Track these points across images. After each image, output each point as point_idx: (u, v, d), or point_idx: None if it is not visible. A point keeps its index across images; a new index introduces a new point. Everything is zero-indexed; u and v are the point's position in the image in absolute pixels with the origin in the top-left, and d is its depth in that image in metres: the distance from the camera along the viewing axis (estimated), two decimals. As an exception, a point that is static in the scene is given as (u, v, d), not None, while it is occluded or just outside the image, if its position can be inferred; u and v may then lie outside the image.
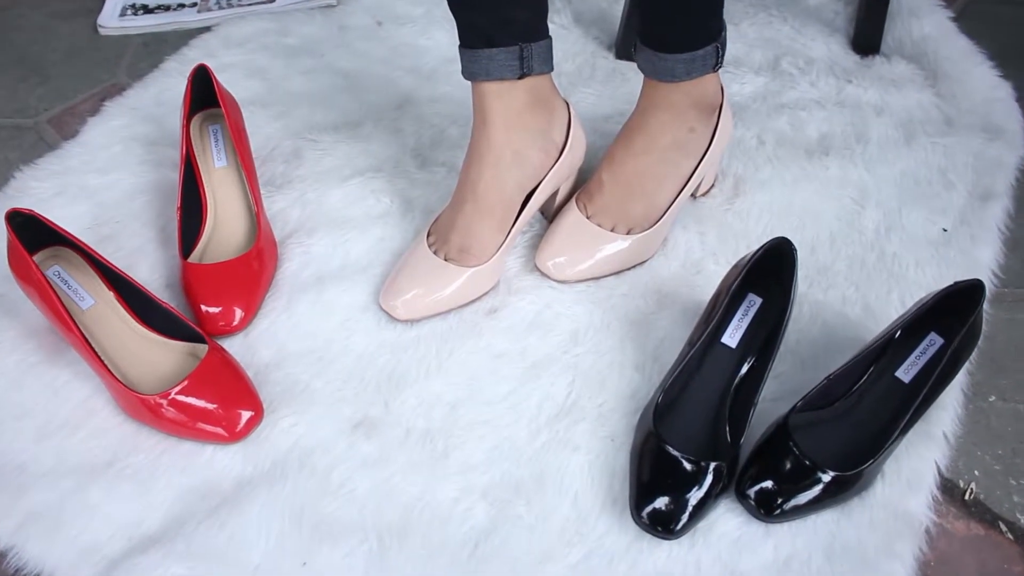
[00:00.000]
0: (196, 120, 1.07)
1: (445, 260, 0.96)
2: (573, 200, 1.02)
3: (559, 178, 1.00)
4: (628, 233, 0.99)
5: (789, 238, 0.86)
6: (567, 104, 1.00)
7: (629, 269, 1.01)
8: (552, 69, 0.96)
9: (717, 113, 1.00)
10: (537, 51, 0.92)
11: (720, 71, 1.21)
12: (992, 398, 0.92)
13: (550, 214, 1.04)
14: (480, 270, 0.96)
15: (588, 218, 1.00)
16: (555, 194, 1.03)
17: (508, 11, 0.90)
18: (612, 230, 0.99)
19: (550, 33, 0.94)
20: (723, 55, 0.95)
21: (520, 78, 0.92)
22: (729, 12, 1.33)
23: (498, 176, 0.94)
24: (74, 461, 0.85)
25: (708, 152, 1.01)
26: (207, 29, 1.37)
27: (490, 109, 0.93)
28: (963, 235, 1.05)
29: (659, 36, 0.94)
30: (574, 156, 1.00)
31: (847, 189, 1.09)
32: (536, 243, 1.03)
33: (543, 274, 0.99)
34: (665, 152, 0.99)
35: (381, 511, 0.82)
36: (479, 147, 0.94)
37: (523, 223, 0.99)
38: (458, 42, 0.93)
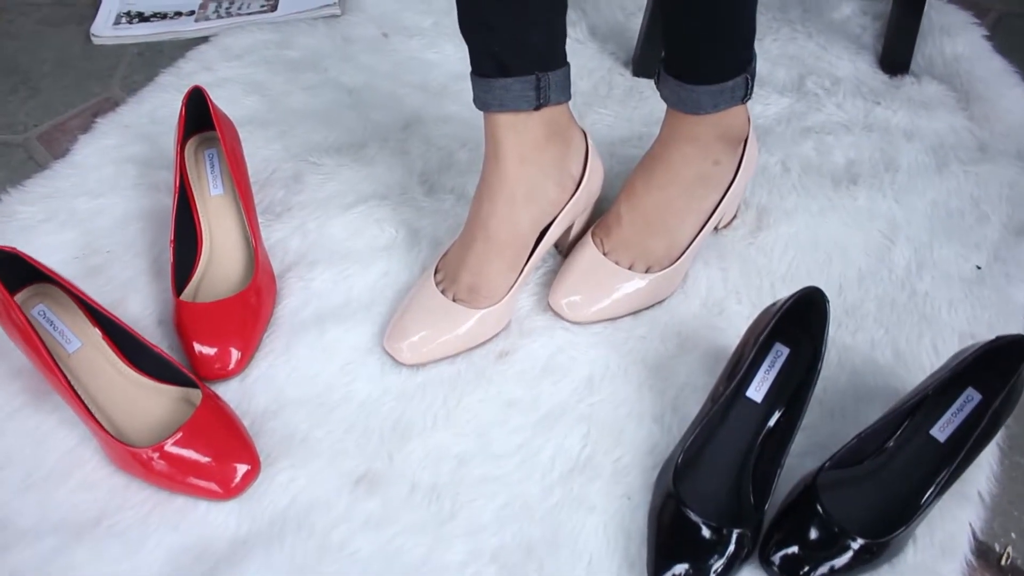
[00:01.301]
0: (191, 144, 1.02)
1: (454, 300, 0.91)
2: (589, 234, 0.97)
3: (575, 212, 0.95)
4: (647, 271, 0.94)
5: (820, 287, 0.81)
6: (584, 134, 0.94)
7: (647, 308, 0.96)
8: (570, 98, 0.91)
9: (743, 144, 0.95)
10: (555, 80, 0.87)
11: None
12: (1030, 452, 0.87)
13: (564, 248, 0.99)
14: (491, 311, 0.91)
15: (605, 254, 0.95)
16: (570, 227, 0.97)
17: (524, 35, 0.84)
18: (630, 267, 0.94)
19: (567, 49, 0.89)
20: (752, 86, 0.90)
21: (536, 109, 0.87)
22: (751, 27, 1.28)
23: (511, 213, 0.89)
24: (59, 516, 0.81)
25: (732, 185, 0.95)
26: (204, 39, 1.32)
27: (503, 142, 0.88)
28: (997, 272, 1.00)
29: (685, 66, 0.88)
30: (591, 189, 0.95)
31: (876, 221, 1.04)
32: (549, 280, 0.98)
33: (556, 314, 0.94)
34: (688, 186, 0.94)
35: (383, 575, 0.77)
36: (491, 182, 0.89)
37: (537, 260, 0.94)
38: (469, 66, 0.87)
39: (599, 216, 0.99)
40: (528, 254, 0.92)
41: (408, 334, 0.90)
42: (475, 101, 0.88)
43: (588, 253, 0.95)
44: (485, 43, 0.85)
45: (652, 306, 0.96)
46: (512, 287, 0.92)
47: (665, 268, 0.94)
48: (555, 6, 0.85)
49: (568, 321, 0.94)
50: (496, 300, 0.91)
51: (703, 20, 0.85)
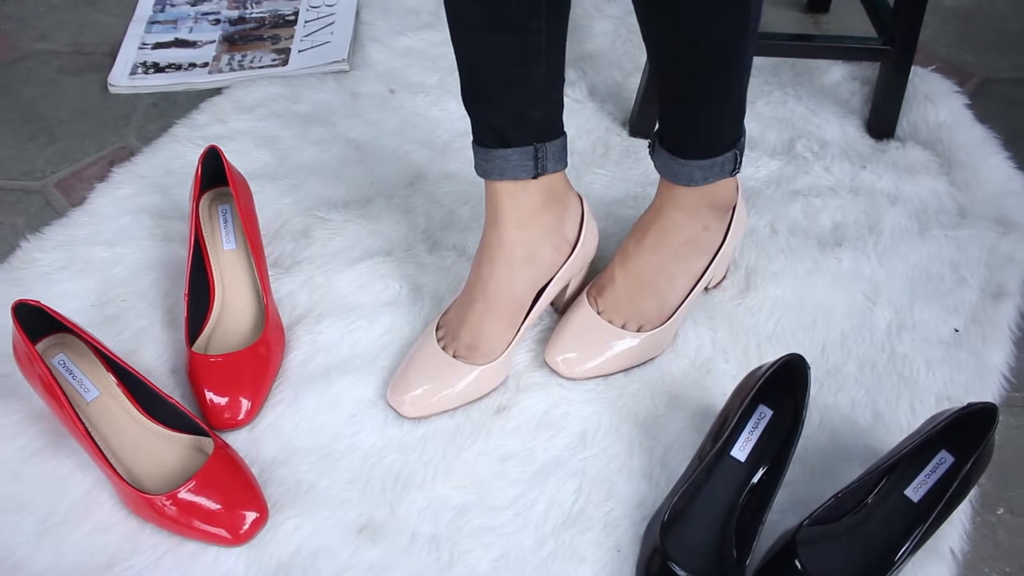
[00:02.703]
0: (206, 199, 1.06)
1: (454, 356, 0.95)
2: (584, 294, 1.01)
3: (571, 273, 0.99)
4: (639, 330, 0.98)
5: (801, 350, 0.86)
6: (580, 198, 0.99)
7: (639, 366, 1.00)
8: (566, 166, 0.95)
9: (731, 211, 0.99)
10: (552, 150, 0.92)
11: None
12: (1000, 511, 0.91)
13: (561, 306, 1.04)
14: (488, 368, 0.95)
15: (599, 314, 0.99)
16: (566, 287, 1.02)
17: (524, 110, 0.89)
18: (623, 327, 0.98)
19: (565, 109, 0.93)
20: (741, 160, 0.95)
21: (534, 178, 0.91)
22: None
23: (509, 275, 0.94)
24: (72, 561, 0.84)
25: (721, 249, 1.00)
26: (218, 91, 1.36)
27: (502, 208, 0.92)
28: (974, 335, 1.04)
29: (679, 141, 0.93)
30: (586, 251, 1.00)
31: (859, 284, 1.09)
32: (546, 336, 1.02)
33: (552, 370, 0.99)
34: (679, 250, 0.98)
35: (385, 622, 0.81)
36: (490, 245, 0.94)
37: (534, 318, 0.98)
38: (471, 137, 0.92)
39: (594, 275, 1.03)
40: (525, 313, 0.96)
41: (410, 388, 0.94)
42: (476, 168, 0.92)
43: (583, 312, 0.99)
44: (486, 115, 0.89)
45: (644, 363, 1.00)
46: (509, 345, 0.96)
47: (656, 328, 0.99)
48: (554, 84, 0.90)
49: (563, 377, 0.98)
50: (494, 357, 0.95)
51: (697, 106, 0.90)
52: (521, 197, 0.92)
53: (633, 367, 1.00)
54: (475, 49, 0.86)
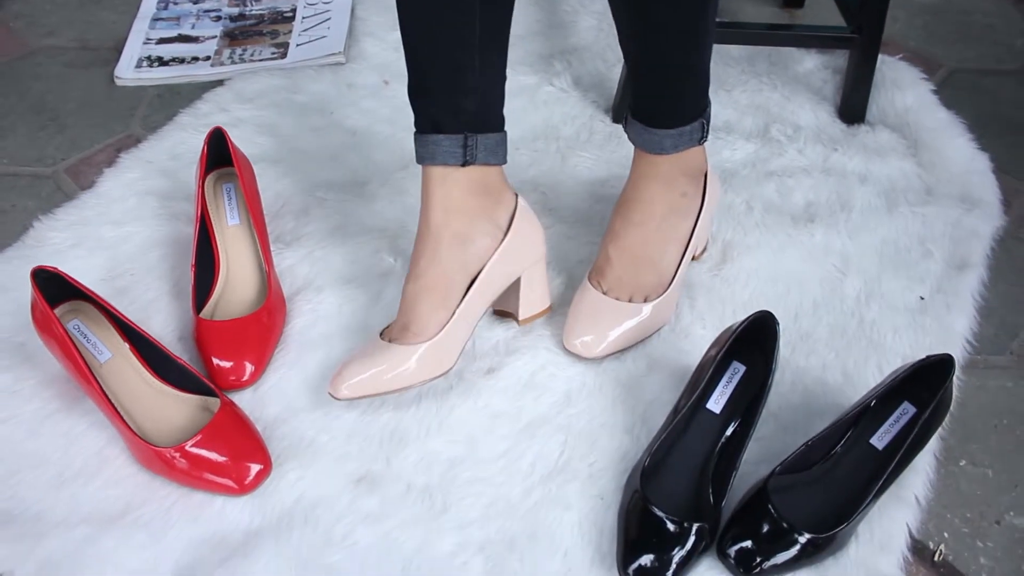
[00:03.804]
0: (211, 178, 1.12)
1: (390, 342, 0.96)
2: (586, 279, 1.05)
3: (508, 265, 0.99)
4: (645, 301, 1.03)
5: (772, 311, 0.91)
6: (517, 195, 1.01)
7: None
8: (503, 162, 0.98)
9: (704, 177, 1.06)
10: (483, 142, 0.95)
11: (713, 138, 1.28)
12: (963, 462, 0.96)
13: (520, 315, 1.05)
14: (423, 348, 0.95)
15: (604, 294, 1.03)
16: (518, 288, 1.03)
17: (457, 100, 0.93)
18: (629, 301, 1.03)
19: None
20: (708, 129, 1.02)
21: (463, 165, 0.94)
22: (722, 79, 1.40)
23: (437, 254, 0.95)
24: (89, 509, 0.90)
25: (702, 211, 1.06)
26: (220, 83, 1.42)
27: (432, 192, 0.95)
28: (939, 303, 1.10)
29: (648, 112, 1.00)
30: (524, 245, 1.00)
31: (831, 256, 1.15)
32: (546, 320, 1.07)
33: (573, 354, 1.02)
34: (663, 218, 1.04)
35: (381, 563, 0.86)
36: (420, 229, 0.96)
37: (476, 310, 0.98)
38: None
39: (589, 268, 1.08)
40: (459, 296, 0.96)
41: (345, 378, 0.94)
42: (415, 156, 0.96)
43: (589, 295, 1.04)
44: (424, 106, 0.94)
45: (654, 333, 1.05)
46: (444, 326, 0.96)
47: (661, 295, 1.03)
48: (490, 78, 0.95)
49: (586, 359, 1.02)
50: (427, 337, 0.95)
51: (664, 80, 0.98)
52: (450, 183, 0.94)
53: (648, 337, 1.04)
54: (414, 37, 0.91)
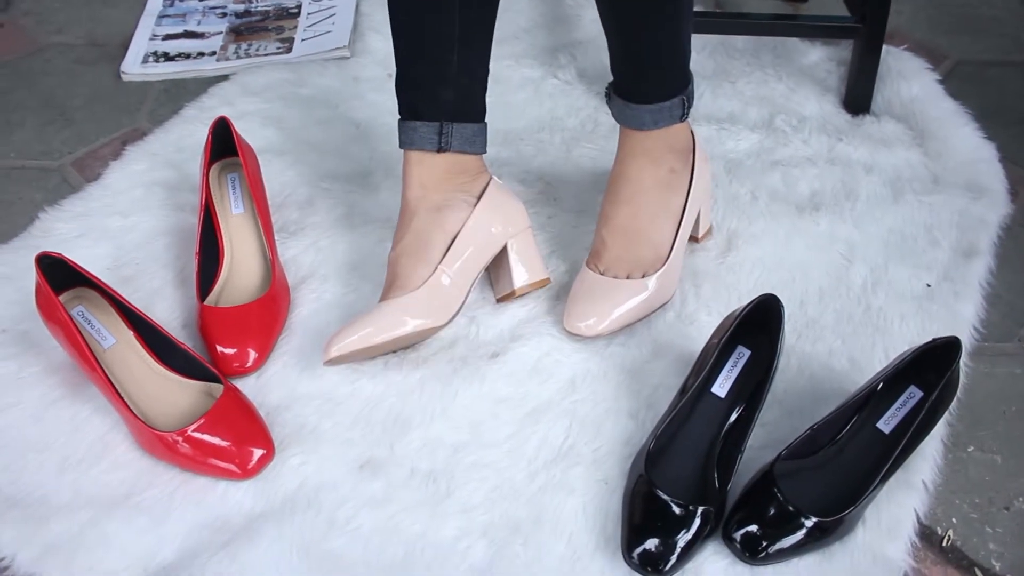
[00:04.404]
0: (216, 168, 1.13)
1: (379, 303, 0.98)
2: (584, 264, 1.05)
3: (488, 224, 1.02)
4: (643, 276, 1.03)
5: (777, 295, 0.91)
6: (491, 177, 1.05)
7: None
8: (482, 151, 1.04)
9: (692, 154, 1.07)
10: (459, 131, 1.00)
11: (718, 128, 1.28)
12: (971, 448, 0.96)
13: (514, 289, 1.05)
14: (408, 297, 0.97)
15: (602, 274, 1.04)
16: (507, 260, 1.04)
17: (436, 90, 0.99)
18: (628, 278, 1.03)
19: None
20: (690, 107, 1.04)
21: (439, 152, 1.00)
22: (727, 70, 1.40)
23: (414, 222, 1.01)
24: (92, 493, 0.90)
25: (692, 187, 1.06)
26: (225, 77, 1.42)
27: (411, 175, 1.02)
28: (946, 291, 1.09)
29: (627, 87, 1.03)
30: (501, 206, 1.03)
31: (836, 244, 1.14)
32: (542, 296, 1.07)
33: (576, 336, 1.02)
34: (651, 193, 1.04)
35: (384, 548, 0.86)
36: (401, 207, 1.03)
37: (461, 267, 1.00)
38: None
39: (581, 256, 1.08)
40: (440, 253, 0.99)
41: (334, 342, 0.95)
42: (398, 141, 1.02)
43: (587, 278, 1.04)
44: (407, 95, 1.01)
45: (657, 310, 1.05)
46: (425, 281, 0.98)
47: (659, 270, 1.03)
48: (469, 71, 1.00)
49: (589, 338, 1.02)
50: (410, 288, 0.97)
51: (642, 57, 1.00)
52: (427, 167, 1.01)
53: (651, 314, 1.04)
54: (398, 32, 0.98)
